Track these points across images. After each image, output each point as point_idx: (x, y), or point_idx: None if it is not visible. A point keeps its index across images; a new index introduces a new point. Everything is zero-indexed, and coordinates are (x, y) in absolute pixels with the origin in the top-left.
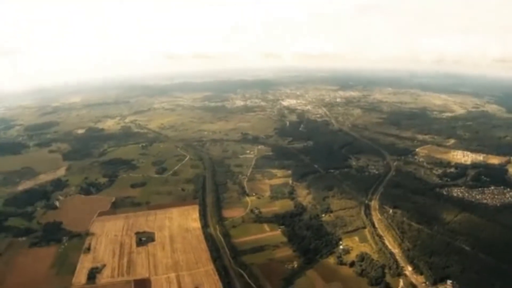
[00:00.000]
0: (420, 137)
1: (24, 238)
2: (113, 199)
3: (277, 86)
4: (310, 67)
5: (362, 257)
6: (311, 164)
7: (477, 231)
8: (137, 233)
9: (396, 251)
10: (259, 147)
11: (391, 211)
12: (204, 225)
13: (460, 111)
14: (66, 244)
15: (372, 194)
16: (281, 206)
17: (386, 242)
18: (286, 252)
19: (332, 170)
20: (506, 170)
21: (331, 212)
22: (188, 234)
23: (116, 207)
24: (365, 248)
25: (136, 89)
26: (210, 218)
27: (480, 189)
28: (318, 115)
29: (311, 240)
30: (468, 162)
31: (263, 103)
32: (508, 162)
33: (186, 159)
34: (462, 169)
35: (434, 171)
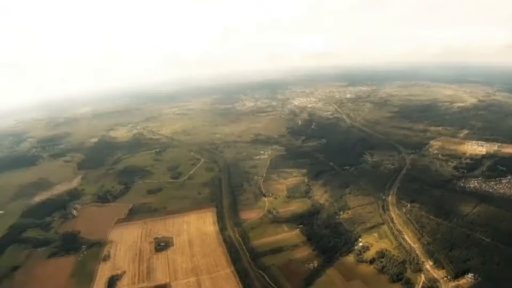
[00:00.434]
0: (432, 129)
1: (42, 249)
2: (130, 206)
3: (286, 85)
4: (316, 65)
5: (382, 254)
6: (326, 162)
7: (496, 221)
8: (155, 239)
9: (415, 246)
10: (273, 147)
11: (408, 205)
12: (222, 228)
13: (471, 100)
14: (84, 253)
15: (388, 189)
16: (298, 205)
17: (406, 237)
18: (305, 251)
19: (347, 167)
20: None
21: (349, 209)
22: (207, 238)
23: (133, 214)
24: (384, 245)
25: (144, 96)
26: (227, 220)
27: (497, 179)
28: (329, 112)
29: (329, 238)
30: (483, 152)
31: (273, 103)
32: None
33: (201, 163)
34: (477, 159)
35: (449, 163)
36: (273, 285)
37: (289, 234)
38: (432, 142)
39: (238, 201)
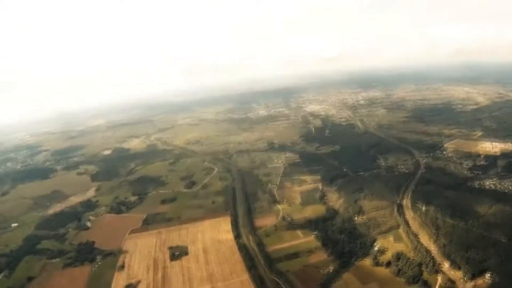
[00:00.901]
0: (447, 131)
1: (57, 260)
2: (144, 216)
3: (299, 92)
4: (329, 70)
5: (398, 257)
6: (340, 168)
7: None
8: (170, 248)
9: (432, 248)
10: (287, 154)
11: (424, 208)
12: (237, 236)
13: (484, 101)
14: (99, 263)
15: (403, 192)
16: (313, 211)
17: (421, 240)
18: (321, 257)
19: (361, 172)
20: None
21: (364, 214)
22: (222, 246)
23: (148, 223)
24: (400, 247)
25: (156, 107)
26: (242, 228)
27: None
28: (342, 119)
29: (345, 243)
30: (498, 153)
31: (286, 111)
32: None
33: (215, 172)
34: (492, 160)
35: (464, 165)
36: None
37: (304, 240)
38: (446, 144)
39: (252, 209)
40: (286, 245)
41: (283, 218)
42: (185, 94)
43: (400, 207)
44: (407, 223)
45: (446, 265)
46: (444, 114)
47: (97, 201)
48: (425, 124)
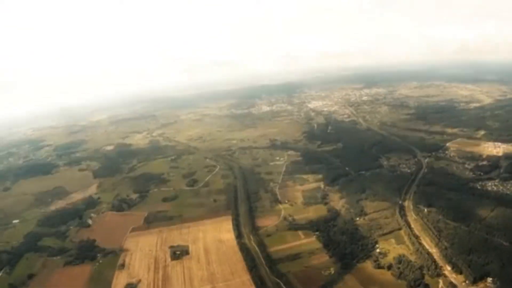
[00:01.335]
0: (449, 130)
1: (58, 257)
2: (146, 214)
3: (301, 88)
4: (332, 67)
5: (400, 260)
6: (342, 167)
7: None
8: (171, 247)
9: (433, 251)
10: (289, 152)
11: (426, 210)
12: (238, 236)
13: (487, 100)
14: (100, 261)
15: (405, 193)
16: (315, 212)
17: (423, 242)
18: (322, 258)
19: (363, 172)
20: None
21: (365, 215)
22: (223, 245)
23: (149, 222)
24: (402, 250)
25: (160, 102)
26: (243, 228)
27: None
28: (345, 116)
29: (346, 244)
30: (500, 154)
31: (289, 107)
32: None
33: (217, 169)
34: (494, 161)
35: (466, 166)
36: None
37: (306, 241)
38: (448, 144)
39: (254, 208)
40: (287, 246)
41: (285, 218)
42: (188, 89)
43: (402, 209)
44: (408, 225)
45: (447, 269)
46: (447, 112)
47: (98, 198)
48: (427, 122)
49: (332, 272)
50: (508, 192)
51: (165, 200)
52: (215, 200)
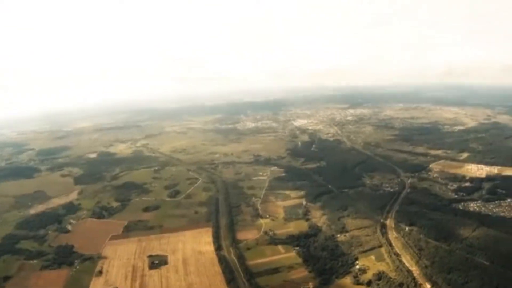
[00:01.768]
0: (433, 152)
1: (35, 261)
2: (126, 223)
3: (287, 106)
4: (319, 86)
5: (379, 276)
6: (325, 184)
7: (495, 244)
8: (149, 256)
9: (414, 269)
10: (272, 168)
11: (407, 228)
12: (218, 248)
13: (472, 123)
14: (78, 267)
15: (387, 212)
16: (296, 227)
17: (404, 260)
18: (301, 273)
19: (346, 190)
20: None
21: (347, 232)
22: (202, 257)
23: (129, 230)
24: (382, 267)
25: (145, 112)
26: (223, 240)
27: (496, 202)
28: (330, 134)
29: (326, 260)
30: (483, 175)
31: (274, 124)
32: None
33: (199, 182)
34: (477, 182)
35: (449, 186)
36: None
37: (286, 256)
38: (432, 165)
39: (235, 222)
40: (267, 259)
41: (265, 233)
42: (175, 101)
43: (383, 227)
44: (389, 243)
45: (427, 287)
46: (431, 134)
47: (79, 204)
48: (411, 144)
49: (311, 287)
50: (490, 213)
51: (146, 209)
52: (196, 212)
